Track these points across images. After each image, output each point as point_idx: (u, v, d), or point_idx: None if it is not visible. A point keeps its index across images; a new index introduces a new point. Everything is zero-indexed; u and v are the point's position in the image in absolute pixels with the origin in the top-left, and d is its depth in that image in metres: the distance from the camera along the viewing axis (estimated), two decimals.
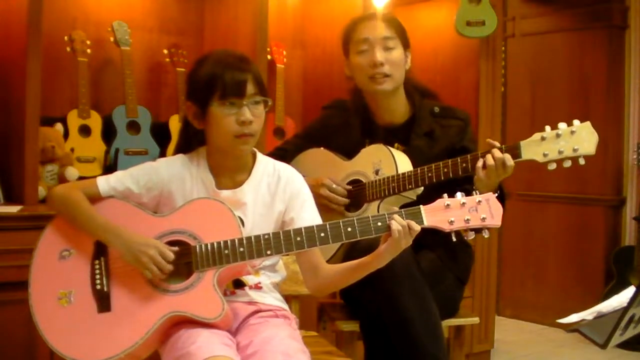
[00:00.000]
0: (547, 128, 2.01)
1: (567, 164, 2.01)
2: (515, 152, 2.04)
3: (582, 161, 2.00)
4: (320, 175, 2.33)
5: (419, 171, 2.15)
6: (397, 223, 1.67)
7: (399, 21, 2.38)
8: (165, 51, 3.23)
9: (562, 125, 2.01)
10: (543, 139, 2.01)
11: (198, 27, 3.38)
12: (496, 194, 2.08)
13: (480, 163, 2.05)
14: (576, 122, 2.00)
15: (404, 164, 2.23)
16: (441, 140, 2.32)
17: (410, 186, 2.16)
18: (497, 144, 2.07)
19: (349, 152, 2.36)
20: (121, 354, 1.70)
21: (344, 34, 2.41)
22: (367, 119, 2.39)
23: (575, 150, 1.98)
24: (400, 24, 2.37)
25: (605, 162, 4.45)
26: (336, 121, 2.44)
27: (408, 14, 3.62)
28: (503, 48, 4.54)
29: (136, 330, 1.70)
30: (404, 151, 2.30)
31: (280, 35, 3.56)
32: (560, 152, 1.99)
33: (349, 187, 2.31)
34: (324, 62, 3.61)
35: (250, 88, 1.77)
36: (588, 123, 2.00)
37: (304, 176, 2.30)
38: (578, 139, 1.98)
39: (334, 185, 2.30)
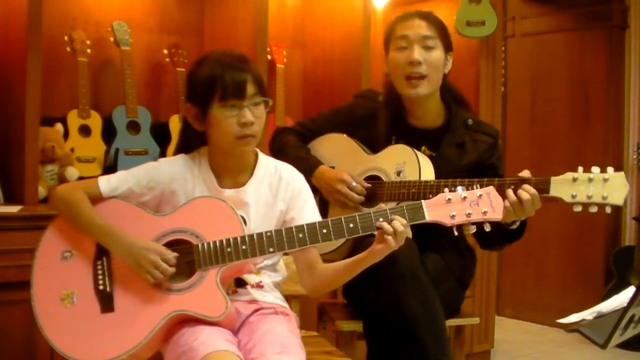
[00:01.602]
0: (580, 169, 1.96)
1: (593, 209, 1.96)
2: (544, 187, 1.99)
3: (608, 210, 1.95)
4: (339, 169, 2.29)
5: (442, 183, 2.11)
6: (387, 226, 1.68)
7: (442, 22, 2.32)
8: (165, 51, 3.23)
9: (596, 170, 1.95)
10: (574, 179, 1.96)
11: (198, 27, 3.38)
12: (518, 223, 2.06)
13: (507, 199, 1.97)
14: (610, 169, 1.95)
15: (428, 171, 2.19)
16: (470, 153, 2.28)
17: (430, 196, 2.09)
18: (528, 174, 2.01)
19: (372, 146, 2.33)
20: (124, 354, 1.70)
21: (385, 31, 2.37)
22: (398, 116, 2.34)
23: (604, 198, 1.93)
24: (442, 25, 2.32)
25: (605, 162, 4.43)
26: (365, 112, 2.39)
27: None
28: (503, 48, 4.54)
29: (140, 330, 1.70)
30: (432, 157, 2.26)
31: (280, 35, 3.56)
32: (589, 197, 1.94)
33: (368, 184, 2.26)
34: (324, 62, 3.60)
35: (250, 88, 1.77)
36: (622, 174, 1.95)
37: (320, 162, 2.28)
38: (609, 187, 1.93)
39: (354, 183, 2.24)
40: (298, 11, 3.71)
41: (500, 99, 3.83)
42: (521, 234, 2.14)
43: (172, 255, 1.73)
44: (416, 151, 2.23)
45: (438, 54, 2.27)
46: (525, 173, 2.02)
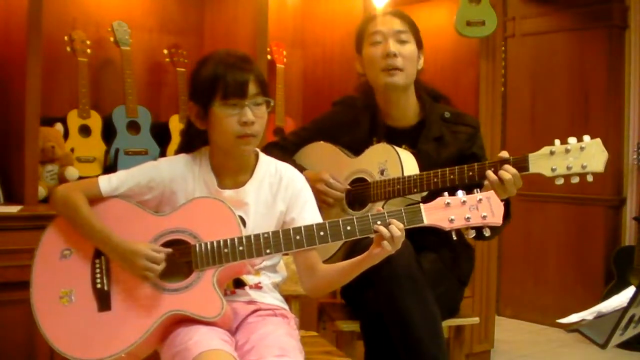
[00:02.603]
0: (557, 142, 1.98)
1: (575, 180, 1.97)
2: (523, 165, 2.01)
3: (590, 178, 1.96)
4: (321, 170, 2.31)
5: (424, 176, 2.14)
6: (385, 231, 1.68)
7: (412, 19, 2.37)
8: (165, 51, 3.23)
9: (572, 141, 1.97)
10: (552, 153, 1.98)
11: (198, 27, 3.38)
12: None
13: (488, 180, 2.01)
14: (586, 137, 1.97)
15: (410, 166, 2.21)
16: (450, 146, 2.30)
17: (415, 190, 2.14)
18: (506, 154, 2.04)
19: (355, 150, 2.34)
20: (121, 352, 1.70)
21: (357, 30, 2.39)
22: (375, 118, 2.36)
23: (583, 167, 1.95)
24: (413, 22, 2.36)
25: None
26: (345, 118, 2.41)
27: (408, 14, 3.62)
28: (503, 48, 4.54)
29: (136, 329, 1.71)
30: (413, 154, 2.27)
31: (280, 35, 3.56)
32: (568, 168, 1.96)
33: (349, 187, 2.28)
34: (324, 62, 3.61)
35: (252, 88, 1.78)
36: (598, 140, 1.97)
37: (305, 169, 2.30)
38: (587, 155, 1.95)
39: (332, 180, 2.27)
40: (298, 11, 3.71)
41: (500, 99, 3.82)
42: (508, 215, 2.14)
43: (160, 253, 1.73)
44: (396, 148, 2.24)
45: (412, 47, 2.31)
46: (504, 154, 2.04)
